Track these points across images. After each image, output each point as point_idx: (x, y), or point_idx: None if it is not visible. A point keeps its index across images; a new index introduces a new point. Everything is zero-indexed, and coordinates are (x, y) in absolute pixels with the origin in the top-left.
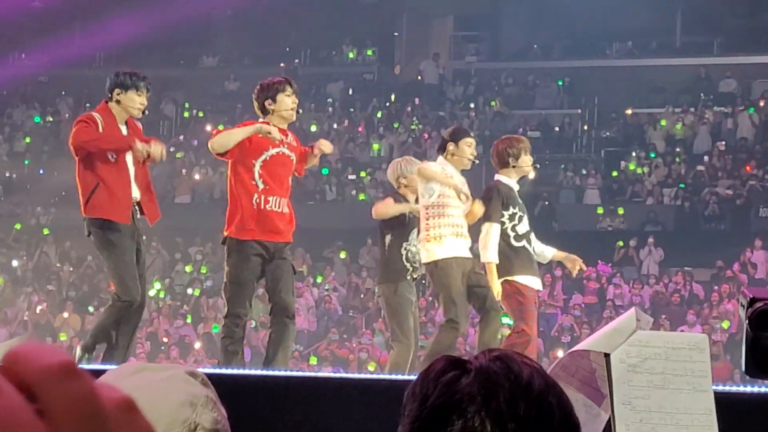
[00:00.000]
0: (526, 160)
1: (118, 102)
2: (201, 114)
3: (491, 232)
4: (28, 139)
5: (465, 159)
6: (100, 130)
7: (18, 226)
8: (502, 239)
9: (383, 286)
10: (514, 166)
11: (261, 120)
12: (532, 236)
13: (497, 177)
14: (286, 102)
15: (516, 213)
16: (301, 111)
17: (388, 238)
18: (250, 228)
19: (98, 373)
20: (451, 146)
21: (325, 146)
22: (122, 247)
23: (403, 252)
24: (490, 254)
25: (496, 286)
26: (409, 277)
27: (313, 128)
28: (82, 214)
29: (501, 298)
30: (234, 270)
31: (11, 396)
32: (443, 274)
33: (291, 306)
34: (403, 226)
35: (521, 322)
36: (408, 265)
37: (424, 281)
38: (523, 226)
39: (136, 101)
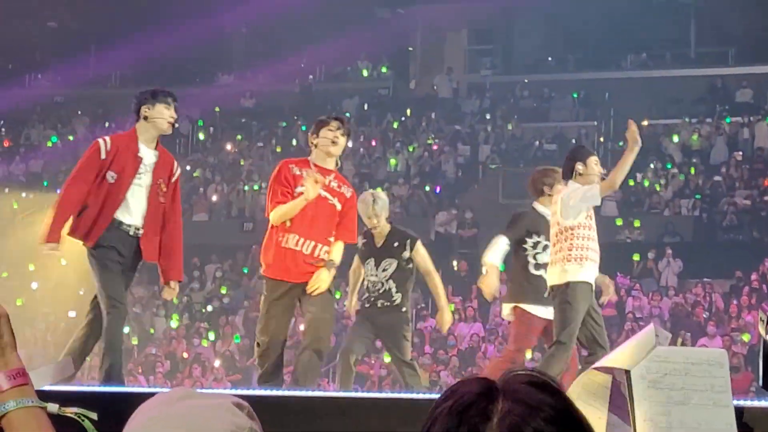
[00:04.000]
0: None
1: (146, 118)
2: (217, 131)
3: (498, 242)
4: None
5: (594, 177)
6: (103, 156)
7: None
8: (521, 265)
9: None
10: (549, 195)
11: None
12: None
13: (533, 204)
14: (327, 135)
15: (540, 242)
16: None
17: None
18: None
19: (146, 396)
20: (579, 166)
21: None
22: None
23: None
24: (491, 256)
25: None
26: None
27: None
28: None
29: (510, 321)
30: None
31: None
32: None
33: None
34: None
35: (515, 346)
36: None
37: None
38: (546, 256)
39: (165, 114)
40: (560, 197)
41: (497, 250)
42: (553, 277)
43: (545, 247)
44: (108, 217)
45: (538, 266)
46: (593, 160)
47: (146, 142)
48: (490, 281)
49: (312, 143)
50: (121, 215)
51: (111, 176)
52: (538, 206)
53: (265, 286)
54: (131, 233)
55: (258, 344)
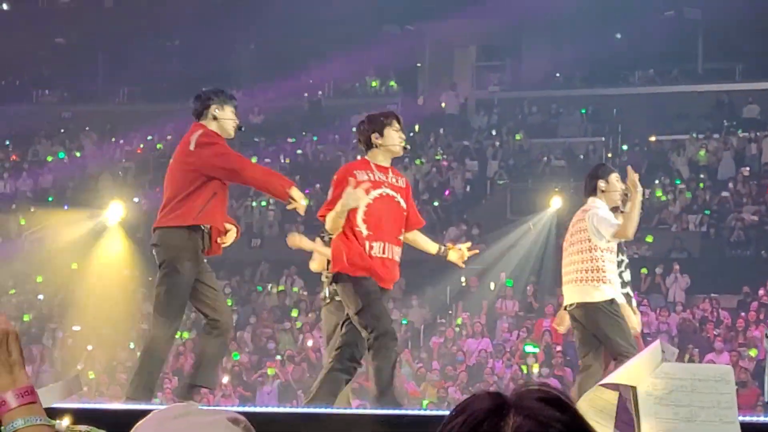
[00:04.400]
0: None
1: (215, 118)
2: None
3: None
4: None
5: (617, 193)
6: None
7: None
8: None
9: None
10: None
11: (363, 157)
12: None
13: None
14: (393, 137)
15: (624, 260)
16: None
17: None
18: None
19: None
20: (602, 184)
21: None
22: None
23: None
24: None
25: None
26: None
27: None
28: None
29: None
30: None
31: None
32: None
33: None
34: None
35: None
36: None
37: None
38: (628, 274)
39: (232, 116)
40: (588, 218)
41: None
42: (589, 294)
43: (627, 265)
44: (222, 216)
45: (624, 284)
46: (614, 177)
47: None
48: None
49: (374, 142)
50: None
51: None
52: None
53: (357, 284)
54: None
55: (384, 334)
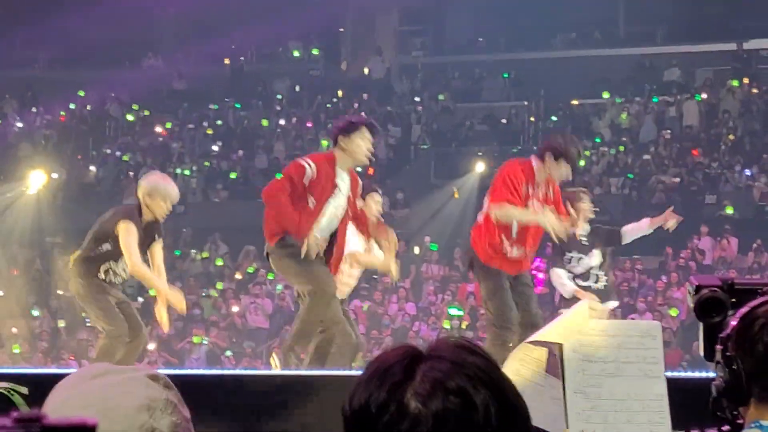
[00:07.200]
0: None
1: (342, 149)
2: (147, 113)
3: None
4: None
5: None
6: (305, 180)
7: None
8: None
9: None
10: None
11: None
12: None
13: None
14: (360, 144)
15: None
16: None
17: None
18: None
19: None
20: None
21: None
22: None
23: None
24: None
25: None
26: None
27: (264, 123)
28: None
29: None
30: None
31: None
32: None
33: None
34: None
35: None
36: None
37: None
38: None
39: (361, 146)
40: None
41: None
42: None
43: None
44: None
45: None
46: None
47: (342, 169)
48: None
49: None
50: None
51: (311, 202)
52: None
53: (490, 273)
54: None
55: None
